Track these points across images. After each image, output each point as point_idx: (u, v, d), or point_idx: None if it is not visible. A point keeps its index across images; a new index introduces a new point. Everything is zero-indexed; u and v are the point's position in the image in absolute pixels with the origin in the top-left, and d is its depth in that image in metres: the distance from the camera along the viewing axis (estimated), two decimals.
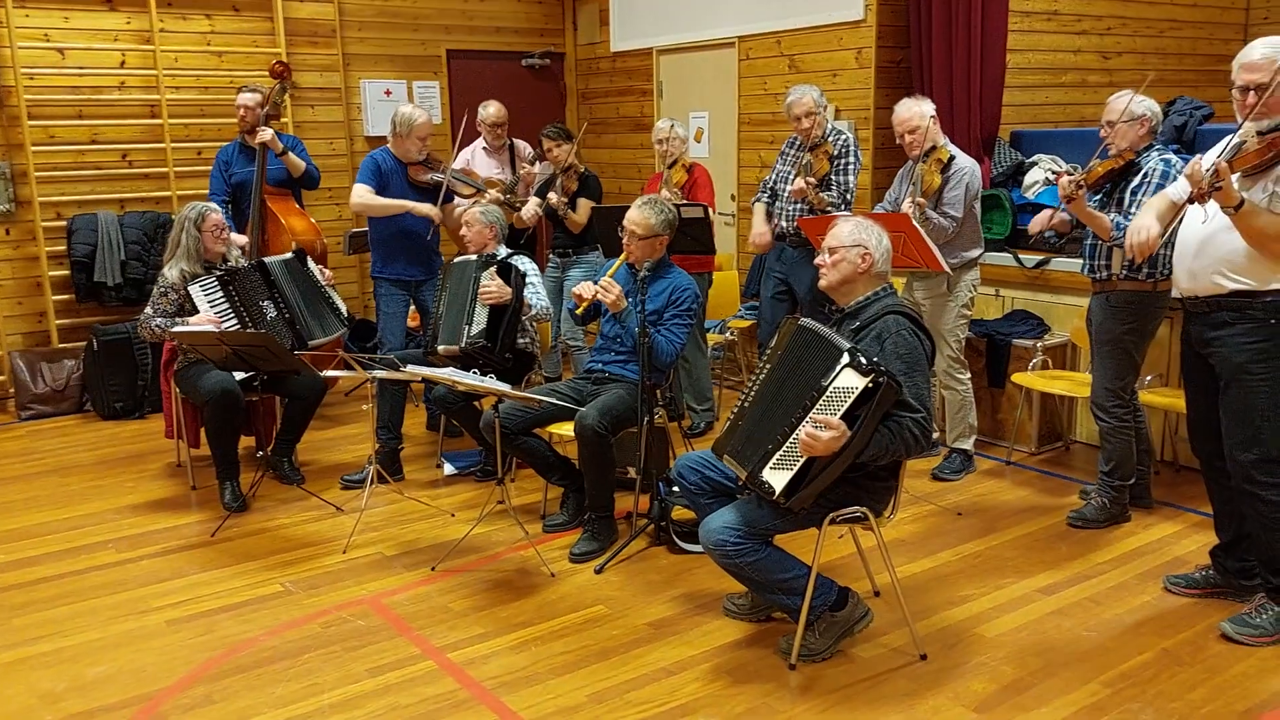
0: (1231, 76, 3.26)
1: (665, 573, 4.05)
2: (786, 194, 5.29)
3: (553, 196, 5.63)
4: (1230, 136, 3.28)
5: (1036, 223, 4.38)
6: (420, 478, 5.18)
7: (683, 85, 7.56)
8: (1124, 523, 4.42)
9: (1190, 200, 3.21)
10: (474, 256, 4.85)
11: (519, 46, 8.29)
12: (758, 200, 5.52)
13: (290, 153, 5.94)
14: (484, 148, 6.34)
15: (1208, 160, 3.25)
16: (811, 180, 5.07)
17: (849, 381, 2.99)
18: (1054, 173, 5.81)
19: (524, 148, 6.32)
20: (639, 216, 4.28)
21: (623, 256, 4.37)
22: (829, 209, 5.11)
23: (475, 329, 4.60)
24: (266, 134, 5.77)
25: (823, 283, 3.41)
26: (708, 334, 6.06)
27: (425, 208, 5.22)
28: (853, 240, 3.33)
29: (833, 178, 5.18)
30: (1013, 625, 3.59)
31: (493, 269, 4.63)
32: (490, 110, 6.22)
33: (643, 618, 3.69)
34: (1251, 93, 3.17)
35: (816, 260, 3.44)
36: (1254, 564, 3.62)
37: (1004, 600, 3.78)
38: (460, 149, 6.13)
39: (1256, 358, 3.33)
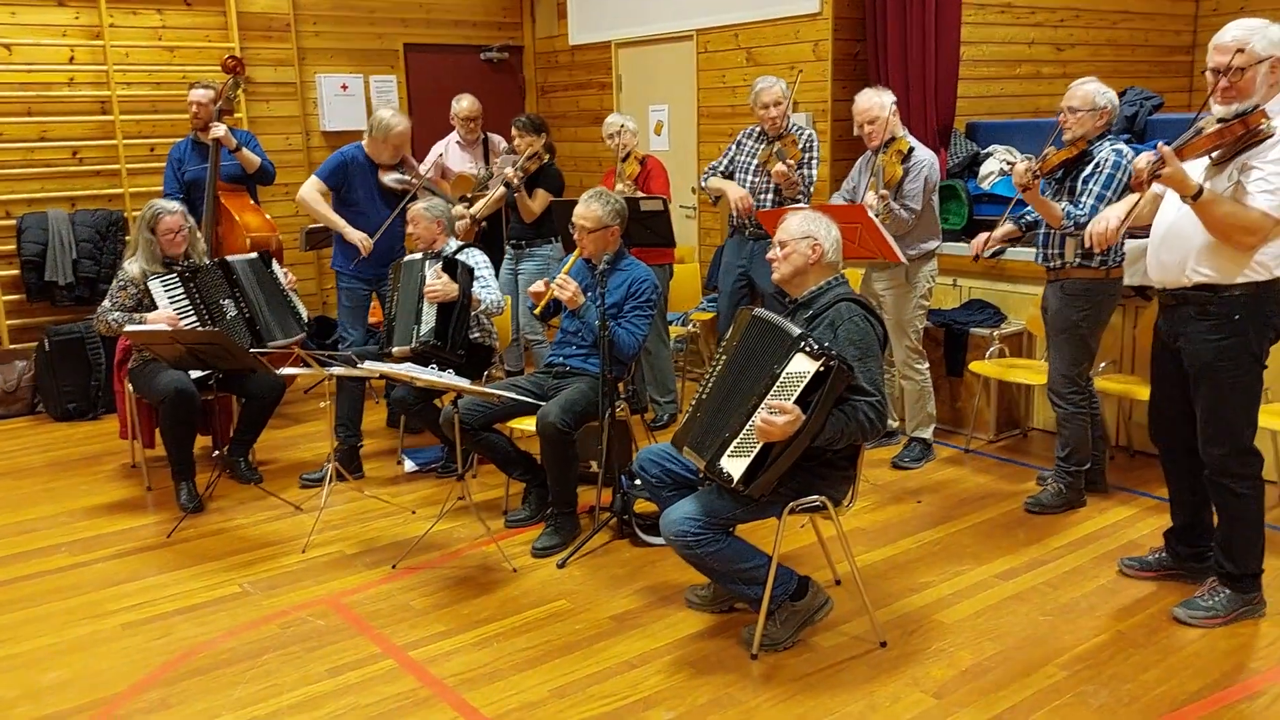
0: (1207, 59, 3.22)
1: (628, 566, 4.05)
2: (749, 184, 5.28)
3: (509, 170, 5.57)
4: (1194, 123, 3.27)
5: (975, 245, 4.42)
6: (381, 475, 5.15)
7: (642, 78, 7.55)
8: (1080, 508, 4.48)
9: (1131, 188, 3.23)
10: (420, 254, 4.81)
11: (477, 40, 8.25)
12: (711, 175, 5.49)
13: (244, 149, 5.87)
14: (458, 142, 6.30)
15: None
16: (791, 163, 5.08)
17: (801, 366, 3.01)
18: (1009, 163, 5.87)
19: (498, 141, 6.28)
20: (585, 210, 4.28)
21: (577, 252, 4.36)
22: (798, 197, 5.14)
23: (425, 328, 4.56)
24: (219, 130, 5.69)
25: (775, 276, 3.43)
26: (670, 326, 6.07)
27: (356, 235, 5.11)
28: (802, 233, 3.35)
29: (799, 169, 5.19)
30: (971, 611, 3.63)
31: (438, 266, 4.60)
32: (464, 105, 6.18)
33: (605, 611, 3.69)
34: (1221, 75, 3.13)
35: (768, 255, 3.46)
36: (1204, 549, 3.68)
37: (962, 586, 3.81)
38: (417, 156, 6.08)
39: (1223, 355, 3.32)
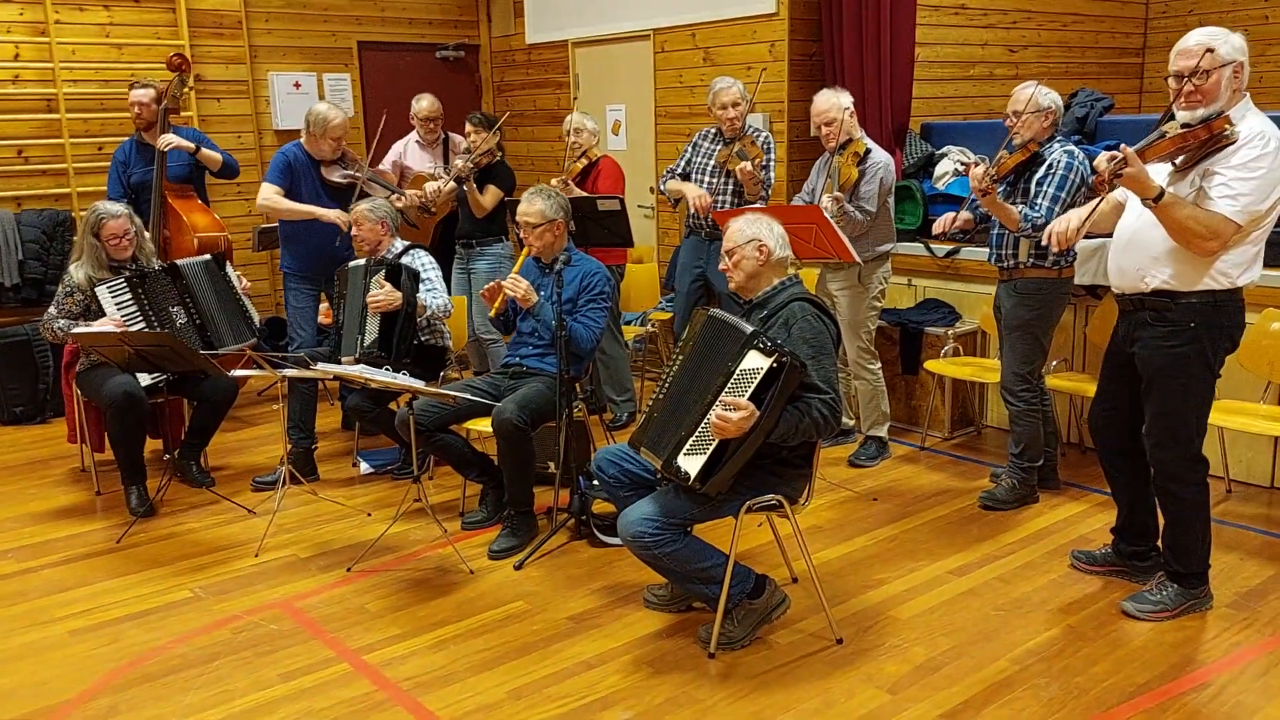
0: (1170, 64, 3.24)
1: (586, 566, 4.04)
2: (706, 185, 5.29)
3: (459, 161, 5.52)
4: (1156, 128, 3.28)
5: (941, 223, 4.46)
6: (336, 477, 5.10)
7: (599, 78, 7.54)
8: (1033, 503, 4.54)
9: (1093, 189, 3.26)
10: (363, 261, 4.72)
11: (432, 38, 8.19)
12: (669, 178, 5.50)
13: (204, 149, 5.75)
14: (417, 141, 6.25)
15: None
16: (756, 161, 5.10)
17: (755, 363, 3.04)
18: (963, 164, 5.92)
19: (459, 141, 6.23)
20: (527, 207, 4.30)
21: (525, 250, 4.35)
22: (758, 200, 5.17)
23: (369, 338, 4.50)
24: (170, 140, 5.58)
25: (731, 285, 3.46)
26: (627, 326, 6.07)
27: (333, 214, 5.09)
28: (745, 237, 3.37)
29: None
30: (925, 607, 3.66)
31: (380, 275, 4.53)
32: (423, 104, 6.13)
33: (563, 612, 3.68)
34: (1186, 79, 3.16)
35: (720, 267, 3.48)
36: (1145, 549, 3.75)
37: (917, 583, 3.85)
38: (378, 147, 6.01)
39: (1176, 361, 3.35)
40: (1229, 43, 3.15)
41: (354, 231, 4.81)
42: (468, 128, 5.69)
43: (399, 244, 4.87)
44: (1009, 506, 4.51)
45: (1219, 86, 3.16)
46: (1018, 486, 4.54)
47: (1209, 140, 3.13)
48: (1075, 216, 3.61)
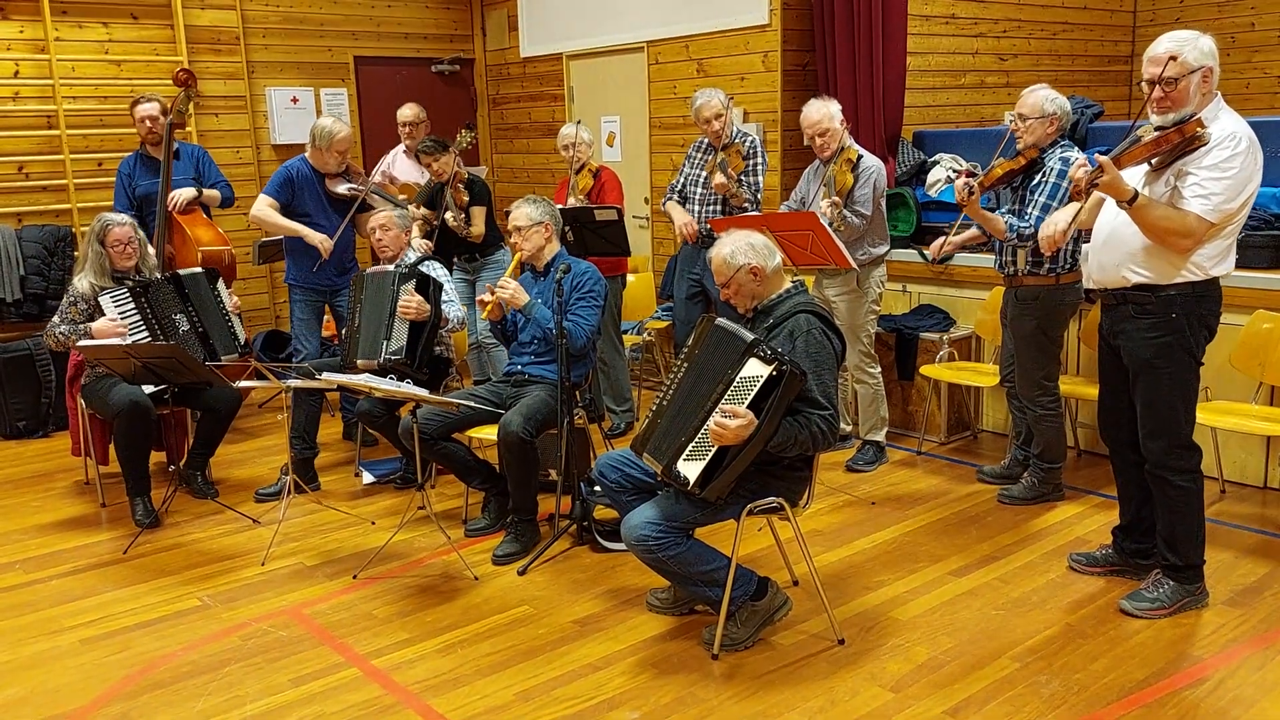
0: (1142, 70, 3.33)
1: (589, 571, 4.09)
2: (699, 195, 5.38)
3: (449, 217, 5.56)
4: (1132, 130, 3.38)
5: (934, 248, 4.54)
6: (339, 488, 5.13)
7: (593, 90, 7.61)
8: (1058, 501, 4.61)
9: (1071, 197, 3.34)
10: (390, 268, 4.73)
11: (428, 52, 8.26)
12: (668, 200, 5.59)
13: (205, 189, 5.86)
14: (404, 150, 6.31)
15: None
16: (732, 173, 5.17)
17: (754, 371, 3.09)
18: (955, 171, 5.99)
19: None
20: (517, 213, 4.41)
21: (516, 256, 4.41)
22: (745, 205, 5.22)
23: (394, 345, 4.52)
24: (178, 197, 5.68)
25: (740, 310, 3.50)
26: (625, 335, 6.11)
27: (317, 237, 5.13)
28: (735, 265, 3.40)
29: (743, 177, 5.28)
30: (926, 607, 3.71)
31: (411, 285, 4.56)
32: (406, 112, 6.22)
33: (568, 616, 3.72)
34: (1156, 86, 3.26)
35: (722, 296, 3.53)
36: (1149, 546, 3.79)
37: (917, 584, 3.90)
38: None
39: (1160, 352, 3.44)
40: (1197, 48, 3.24)
41: (378, 235, 4.83)
42: (424, 159, 5.63)
43: (413, 253, 4.91)
44: (1027, 503, 4.61)
45: (1188, 92, 3.26)
46: (1038, 485, 4.62)
47: (1181, 143, 3.23)
48: (1061, 219, 3.69)
